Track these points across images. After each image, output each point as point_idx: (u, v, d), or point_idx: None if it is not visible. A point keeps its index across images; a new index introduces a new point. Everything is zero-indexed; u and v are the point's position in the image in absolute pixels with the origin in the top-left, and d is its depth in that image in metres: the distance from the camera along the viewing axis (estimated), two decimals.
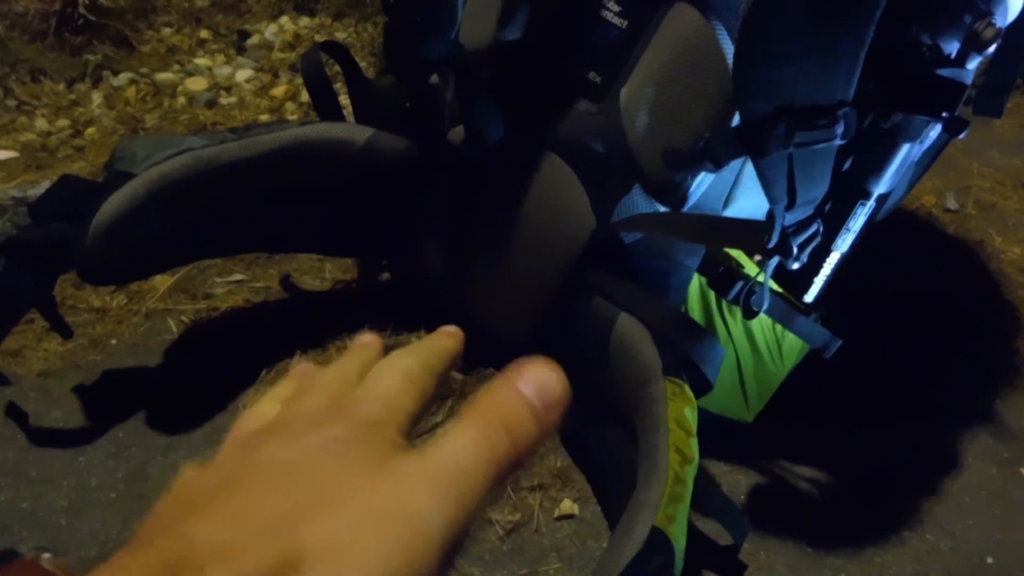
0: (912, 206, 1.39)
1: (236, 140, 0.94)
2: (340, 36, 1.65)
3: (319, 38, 1.65)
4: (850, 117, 0.66)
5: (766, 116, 0.65)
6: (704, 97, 0.78)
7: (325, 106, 1.02)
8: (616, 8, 0.87)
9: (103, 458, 0.93)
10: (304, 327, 1.10)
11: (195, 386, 1.02)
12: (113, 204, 0.86)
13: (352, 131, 0.98)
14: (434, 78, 0.99)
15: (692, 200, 0.84)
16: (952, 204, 1.39)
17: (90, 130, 1.36)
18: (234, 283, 1.15)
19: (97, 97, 1.44)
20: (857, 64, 0.63)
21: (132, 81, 1.47)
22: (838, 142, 0.67)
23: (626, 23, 0.86)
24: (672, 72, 0.81)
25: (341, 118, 1.03)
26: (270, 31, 1.65)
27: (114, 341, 1.07)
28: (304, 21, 1.68)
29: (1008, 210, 1.40)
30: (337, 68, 1.04)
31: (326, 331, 1.09)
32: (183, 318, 1.11)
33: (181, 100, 1.45)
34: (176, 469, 0.25)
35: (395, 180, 1.01)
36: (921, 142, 0.75)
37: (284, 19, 1.69)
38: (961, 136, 0.72)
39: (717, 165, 0.74)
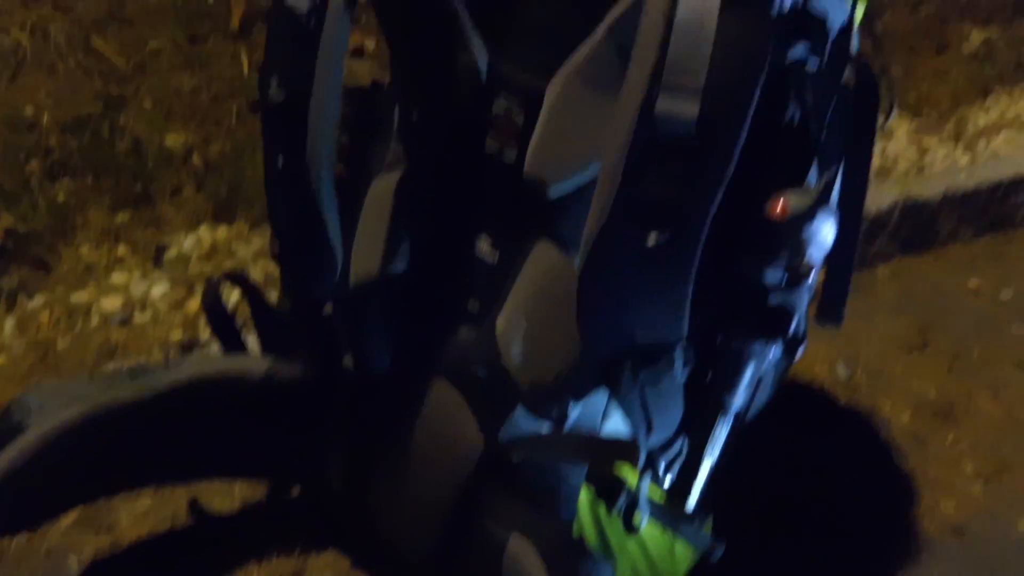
0: (805, 377, 1.46)
1: (131, 382, 0.97)
2: (257, 244, 1.71)
3: (236, 246, 1.71)
4: (688, 351, 0.72)
5: (611, 358, 0.71)
6: (565, 331, 0.83)
7: (227, 338, 1.06)
8: (488, 242, 0.94)
9: None
10: (210, 555, 1.09)
11: None
12: (3, 461, 0.87)
13: (249, 363, 1.02)
14: (328, 307, 1.04)
15: (572, 417, 0.88)
16: (842, 373, 1.47)
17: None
18: (140, 513, 1.15)
19: (10, 323, 1.46)
20: (685, 306, 0.70)
21: (46, 304, 1.50)
22: (680, 376, 0.72)
23: (498, 256, 0.93)
24: (538, 305, 0.87)
25: (242, 347, 1.07)
26: (188, 242, 1.71)
27: None
28: (222, 231, 1.75)
29: (895, 375, 1.48)
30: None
31: (233, 558, 1.09)
32: (84, 555, 1.09)
33: (95, 320, 1.48)
34: None
35: (296, 406, 1.04)
36: (766, 358, 0.81)
37: (202, 228, 1.75)
38: (799, 353, 0.78)
39: (577, 397, 0.79)
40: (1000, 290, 1.70)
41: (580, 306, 0.70)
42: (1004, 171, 1.92)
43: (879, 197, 1.78)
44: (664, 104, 0.62)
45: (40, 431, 0.90)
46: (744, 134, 0.64)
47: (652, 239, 0.64)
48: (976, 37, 2.63)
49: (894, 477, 1.26)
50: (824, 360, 1.50)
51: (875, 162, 2.01)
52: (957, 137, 2.15)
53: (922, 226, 1.81)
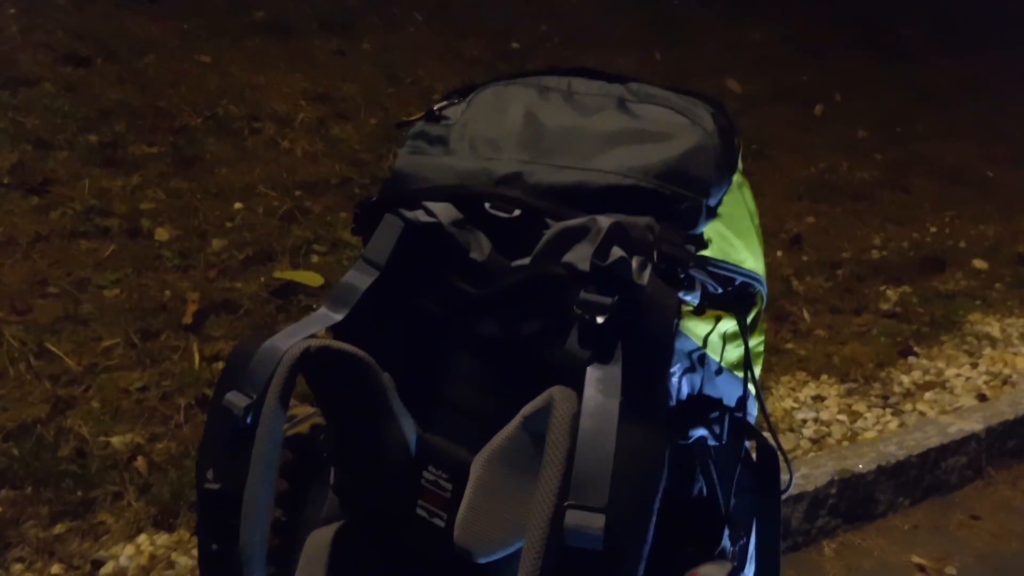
0: None
1: None
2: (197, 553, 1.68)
3: (176, 556, 1.67)
4: None
5: None
6: None
7: None
8: None
9: None
10: None
11: None
12: None
13: None
14: None
15: None
16: None
17: None
18: None
19: None
20: None
21: None
22: None
23: None
24: None
25: None
26: (126, 554, 1.66)
27: None
28: (162, 539, 1.71)
29: None
30: None
31: None
32: None
33: None
34: None
35: None
36: None
37: (142, 537, 1.72)
38: None
39: None
40: (945, 566, 1.71)
41: None
42: (932, 438, 2.01)
43: (816, 473, 1.83)
44: (572, 518, 0.66)
45: None
46: (651, 537, 0.68)
47: None
48: (891, 295, 2.83)
49: None
50: None
51: (809, 430, 2.10)
52: (885, 398, 2.25)
53: (861, 499, 1.86)
